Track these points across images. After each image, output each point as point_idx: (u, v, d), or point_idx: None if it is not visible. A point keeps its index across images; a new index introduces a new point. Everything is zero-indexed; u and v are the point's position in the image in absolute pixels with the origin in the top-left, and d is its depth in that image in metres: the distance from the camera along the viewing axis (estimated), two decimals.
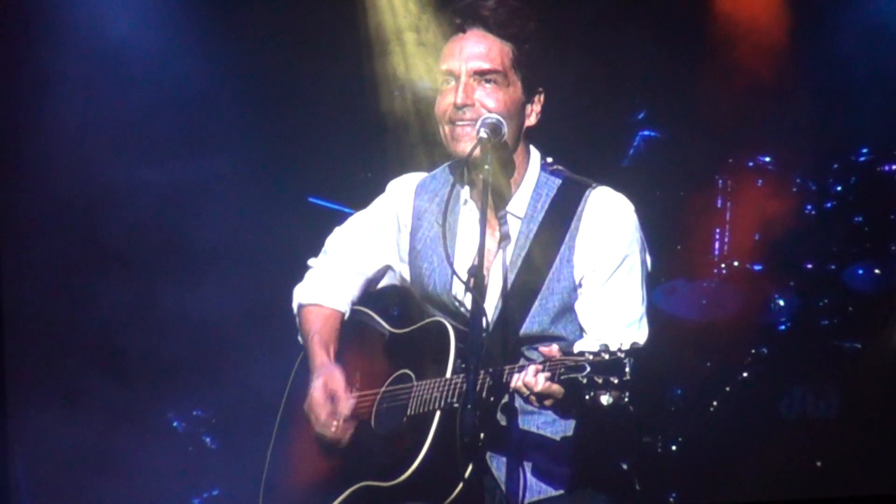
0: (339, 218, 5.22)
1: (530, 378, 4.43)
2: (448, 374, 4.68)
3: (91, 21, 7.19)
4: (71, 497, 7.25)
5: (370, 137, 7.58)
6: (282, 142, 7.65)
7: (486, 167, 4.65)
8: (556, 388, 4.41)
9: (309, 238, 5.28)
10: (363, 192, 5.23)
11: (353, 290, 5.08)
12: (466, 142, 4.73)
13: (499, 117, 4.70)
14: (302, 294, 5.11)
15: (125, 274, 7.42)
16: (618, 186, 4.88)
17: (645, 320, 4.73)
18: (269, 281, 7.09)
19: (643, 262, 4.79)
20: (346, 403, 4.86)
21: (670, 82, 7.94)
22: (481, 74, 4.74)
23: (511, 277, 4.77)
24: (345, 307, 5.07)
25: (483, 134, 4.66)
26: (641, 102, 8.20)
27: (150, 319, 7.43)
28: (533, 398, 4.44)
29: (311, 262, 5.17)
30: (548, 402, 4.45)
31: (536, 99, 4.80)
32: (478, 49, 4.74)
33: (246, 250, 7.49)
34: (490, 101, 4.72)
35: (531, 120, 4.81)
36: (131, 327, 7.40)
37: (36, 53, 7.16)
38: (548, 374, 4.40)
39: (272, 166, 7.64)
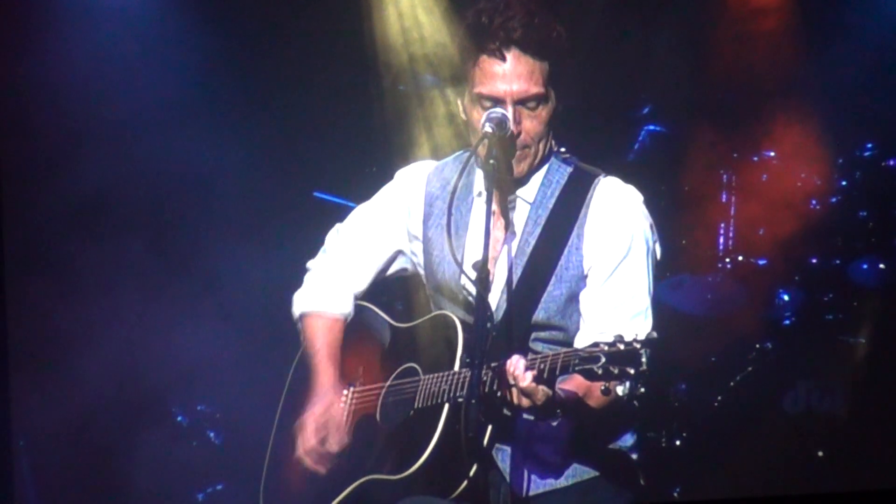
0: (344, 212, 5.22)
1: (519, 371, 4.42)
2: (456, 368, 4.68)
3: (97, 13, 7.20)
4: (76, 492, 7.25)
5: (375, 132, 7.59)
6: (287, 137, 7.65)
7: (491, 161, 4.66)
8: (540, 389, 4.39)
9: (314, 232, 5.28)
10: (368, 187, 5.23)
11: (358, 285, 5.06)
12: (523, 164, 4.76)
13: (503, 113, 4.70)
14: (302, 302, 5.08)
15: (128, 270, 7.43)
16: (623, 181, 4.89)
17: (650, 311, 4.73)
18: (274, 275, 7.08)
19: (650, 252, 4.78)
20: (336, 440, 4.86)
21: (675, 77, 7.94)
22: (525, 101, 4.74)
23: (519, 264, 4.77)
24: (348, 308, 5.05)
25: (488, 129, 4.66)
26: (647, 97, 8.20)
27: (154, 315, 7.43)
28: (512, 392, 4.43)
29: (309, 264, 5.13)
30: (525, 402, 4.43)
31: (561, 101, 4.81)
32: (521, 75, 4.70)
33: (251, 245, 7.49)
34: (535, 125, 4.73)
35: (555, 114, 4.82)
36: (133, 323, 7.41)
37: (40, 47, 7.17)
38: (534, 372, 4.39)
39: (277, 162, 7.64)
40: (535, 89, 4.71)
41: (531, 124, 4.73)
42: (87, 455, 7.28)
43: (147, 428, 7.43)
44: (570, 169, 4.85)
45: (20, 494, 7.19)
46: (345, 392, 4.99)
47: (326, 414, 4.88)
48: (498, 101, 4.71)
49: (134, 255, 7.42)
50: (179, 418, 7.67)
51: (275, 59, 7.59)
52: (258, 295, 7.37)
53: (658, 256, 4.83)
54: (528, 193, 4.84)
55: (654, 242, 4.82)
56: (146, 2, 7.34)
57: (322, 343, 4.99)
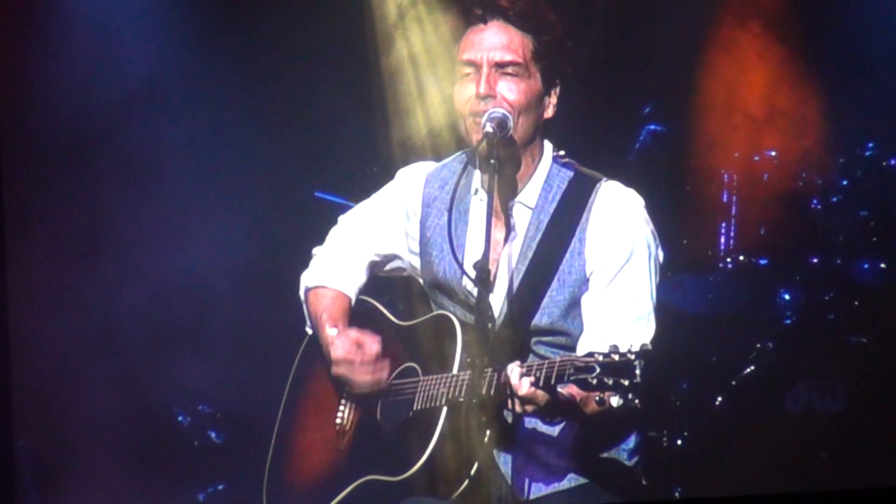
0: (345, 212, 5.24)
1: (515, 381, 4.43)
2: (455, 369, 4.69)
3: (98, 16, 7.20)
4: (76, 492, 7.25)
5: (376, 132, 7.58)
6: (288, 137, 7.65)
7: (492, 161, 4.67)
8: (539, 394, 4.41)
9: (316, 233, 5.29)
10: (369, 187, 5.24)
11: (360, 276, 5.09)
12: None
13: (505, 112, 4.71)
14: (308, 278, 5.12)
15: (129, 272, 7.42)
16: (624, 181, 4.90)
17: (653, 316, 4.73)
18: (276, 276, 7.08)
19: (652, 256, 4.79)
20: (375, 343, 4.84)
21: (677, 76, 7.93)
22: (502, 66, 4.75)
23: (521, 269, 4.78)
24: (351, 292, 5.06)
25: (489, 128, 4.68)
26: (648, 97, 8.18)
27: (156, 316, 7.42)
28: (515, 402, 4.44)
29: (315, 250, 5.19)
30: (529, 408, 4.45)
31: (553, 91, 4.82)
32: (499, 40, 4.76)
33: (253, 245, 7.49)
34: (511, 94, 4.74)
35: (549, 112, 4.83)
36: (136, 324, 7.40)
37: (41, 49, 7.17)
38: (531, 379, 4.40)
39: (278, 162, 7.64)
40: (511, 56, 4.76)
41: (507, 92, 4.75)
42: (88, 455, 7.28)
43: (148, 428, 7.43)
44: (570, 173, 4.86)
45: (21, 494, 7.18)
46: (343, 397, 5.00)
47: (351, 337, 4.86)
48: (476, 67, 4.75)
49: (135, 255, 7.42)
50: (180, 418, 7.67)
51: (275, 60, 7.58)
52: (259, 295, 7.37)
53: (661, 261, 4.83)
54: (528, 198, 4.84)
55: (657, 247, 4.82)
56: (151, 5, 7.35)
57: (326, 306, 5.01)
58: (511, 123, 4.72)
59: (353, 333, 4.86)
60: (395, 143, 7.45)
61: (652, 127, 8.19)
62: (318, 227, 5.34)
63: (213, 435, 7.69)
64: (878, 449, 7.58)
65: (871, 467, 7.56)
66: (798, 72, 7.94)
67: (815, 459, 7.69)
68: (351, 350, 4.83)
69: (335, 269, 5.08)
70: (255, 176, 7.57)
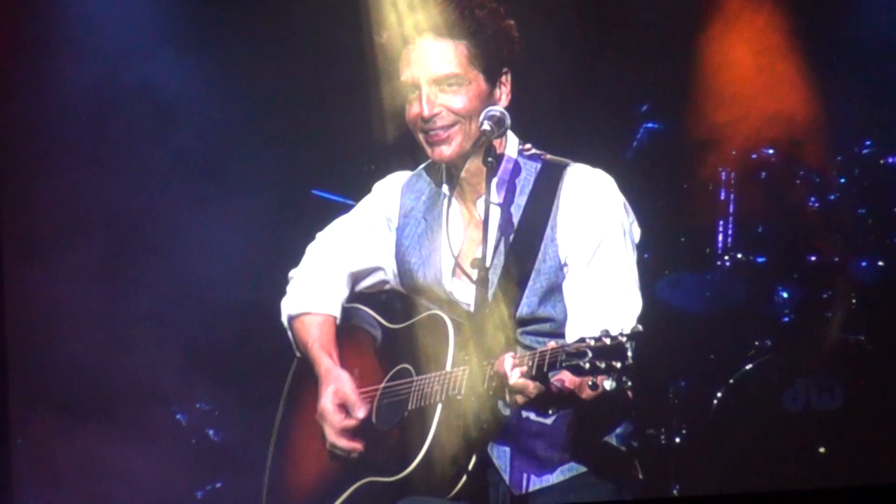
0: (343, 210, 5.24)
1: (506, 370, 4.44)
2: (448, 367, 4.69)
3: (95, 18, 7.20)
4: (74, 490, 7.25)
5: (373, 130, 7.58)
6: (285, 135, 7.65)
7: (490, 160, 4.67)
8: (531, 384, 4.42)
9: (313, 231, 5.29)
10: (366, 185, 5.24)
11: (342, 292, 5.09)
12: (442, 146, 4.78)
13: (502, 110, 4.72)
14: (289, 306, 5.11)
15: (127, 268, 7.43)
16: (622, 179, 4.88)
17: (637, 292, 4.73)
18: (272, 273, 7.08)
19: (626, 232, 4.78)
20: (357, 410, 4.86)
21: (674, 74, 7.93)
22: (441, 81, 4.75)
23: (498, 265, 4.78)
24: (336, 311, 5.06)
25: (486, 126, 4.68)
26: (645, 94, 8.19)
27: (152, 313, 7.43)
28: (505, 391, 4.46)
29: (292, 273, 5.17)
30: (520, 398, 4.46)
31: (502, 81, 4.81)
32: (432, 55, 4.77)
33: (250, 243, 7.49)
34: (456, 104, 4.75)
35: (503, 102, 4.81)
36: (132, 322, 7.40)
37: (40, 55, 7.17)
38: (523, 369, 4.41)
39: (276, 160, 7.64)
40: (446, 71, 4.75)
41: (451, 104, 4.75)
42: (86, 453, 7.28)
43: (146, 426, 7.43)
44: (538, 165, 4.85)
45: (18, 493, 7.19)
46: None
47: (340, 392, 4.87)
48: (416, 87, 4.77)
49: (132, 253, 7.42)
50: (178, 416, 7.67)
51: (273, 58, 7.58)
52: (257, 292, 7.37)
53: (636, 237, 4.83)
54: (497, 195, 4.83)
55: (631, 223, 4.82)
56: (147, 3, 7.35)
57: (315, 336, 5.01)
58: (509, 121, 4.73)
59: (344, 390, 4.86)
60: (393, 140, 7.46)
61: (649, 125, 8.19)
62: (315, 225, 5.34)
63: (211, 433, 7.70)
64: (876, 446, 7.58)
65: (868, 465, 7.57)
66: (796, 69, 7.94)
67: (813, 457, 7.69)
68: (334, 410, 4.86)
69: (317, 290, 5.07)
70: (252, 175, 7.57)
